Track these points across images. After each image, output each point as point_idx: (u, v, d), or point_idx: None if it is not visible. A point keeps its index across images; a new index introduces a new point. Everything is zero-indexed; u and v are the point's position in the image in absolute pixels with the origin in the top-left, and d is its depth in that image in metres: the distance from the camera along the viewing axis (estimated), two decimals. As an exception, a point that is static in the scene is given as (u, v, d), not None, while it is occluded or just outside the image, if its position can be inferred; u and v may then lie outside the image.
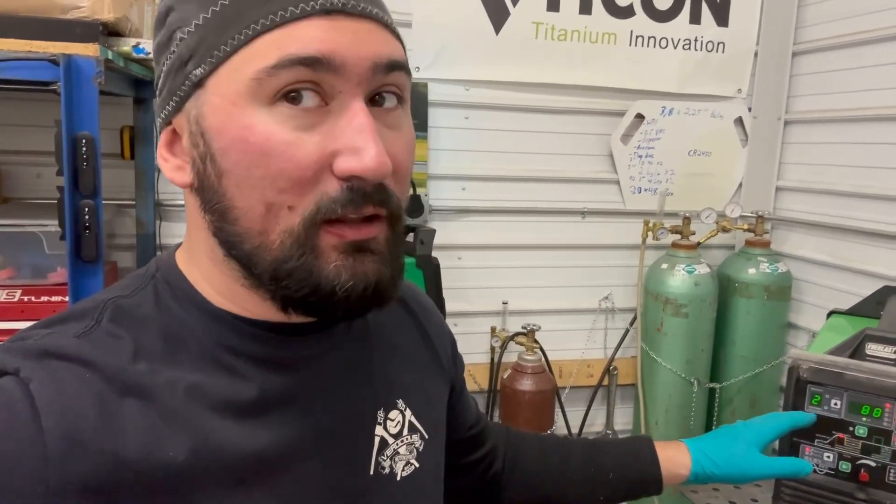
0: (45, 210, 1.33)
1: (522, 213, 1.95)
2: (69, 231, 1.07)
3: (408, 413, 0.58)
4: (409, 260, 1.61)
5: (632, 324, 2.03)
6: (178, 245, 0.53)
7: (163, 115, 0.47)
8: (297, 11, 0.41)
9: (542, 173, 1.95)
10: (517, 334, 1.87)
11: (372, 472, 0.54)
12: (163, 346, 0.46)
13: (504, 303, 1.96)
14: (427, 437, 0.59)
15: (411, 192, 1.78)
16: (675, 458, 0.74)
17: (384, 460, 0.55)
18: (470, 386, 1.94)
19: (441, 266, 1.69)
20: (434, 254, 1.66)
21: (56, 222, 1.08)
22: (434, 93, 1.84)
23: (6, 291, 1.30)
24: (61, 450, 0.40)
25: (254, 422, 0.46)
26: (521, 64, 1.88)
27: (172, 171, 0.47)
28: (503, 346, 1.90)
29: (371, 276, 0.45)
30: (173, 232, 1.73)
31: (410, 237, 1.68)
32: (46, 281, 1.34)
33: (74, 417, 0.41)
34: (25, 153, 1.54)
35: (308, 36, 0.41)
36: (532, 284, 1.99)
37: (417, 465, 0.58)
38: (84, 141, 1.05)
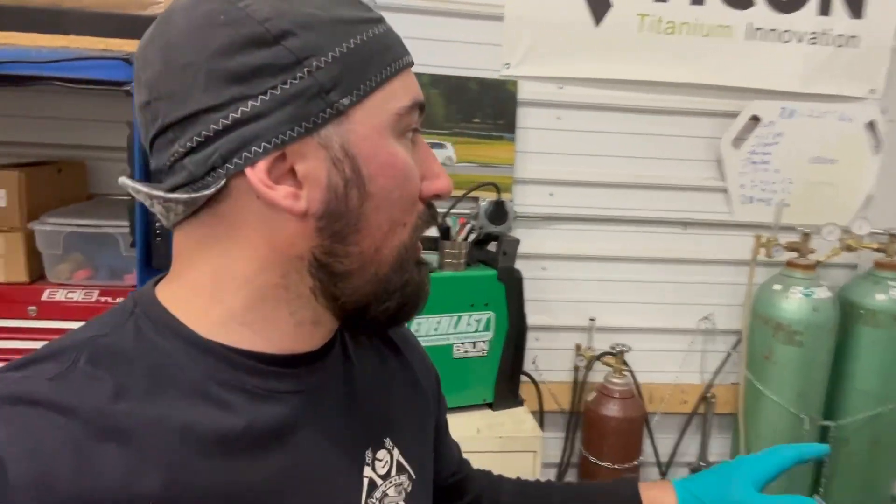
0: (121, 209, 1.31)
1: (615, 222, 1.83)
2: (139, 238, 1.04)
3: (395, 452, 0.58)
4: (489, 272, 1.51)
5: (734, 348, 1.88)
6: (157, 281, 0.52)
7: (274, 140, 0.45)
8: (404, 62, 0.50)
9: (639, 179, 1.82)
10: (604, 354, 1.74)
11: None
12: (147, 382, 0.45)
13: (591, 319, 1.84)
14: (415, 476, 0.59)
15: (495, 197, 1.67)
16: (658, 499, 0.70)
17: (374, 503, 0.55)
18: (550, 406, 1.83)
19: (524, 276, 1.57)
20: (517, 263, 1.56)
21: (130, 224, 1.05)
22: (524, 91, 1.74)
23: (84, 291, 1.30)
24: (28, 500, 0.39)
25: (241, 458, 0.46)
26: (621, 59, 1.74)
27: (285, 198, 0.46)
28: (588, 366, 1.78)
29: (429, 287, 0.54)
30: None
31: (493, 247, 1.58)
32: (123, 283, 1.33)
33: (46, 465, 0.40)
34: (110, 149, 1.54)
35: (414, 84, 0.51)
36: (623, 300, 1.86)
37: None
38: (155, 144, 1.01)
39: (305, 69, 0.45)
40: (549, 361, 1.83)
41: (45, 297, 1.27)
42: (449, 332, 1.47)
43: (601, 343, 1.81)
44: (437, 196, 0.51)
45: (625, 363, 1.71)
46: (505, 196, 1.71)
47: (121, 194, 1.53)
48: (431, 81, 1.70)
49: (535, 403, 1.77)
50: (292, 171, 0.46)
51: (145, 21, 1.04)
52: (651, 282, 1.86)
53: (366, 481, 0.54)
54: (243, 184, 0.45)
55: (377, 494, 0.55)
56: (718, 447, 1.96)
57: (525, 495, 0.75)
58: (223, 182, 0.45)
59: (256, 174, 0.45)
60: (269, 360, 0.49)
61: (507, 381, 1.55)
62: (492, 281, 1.50)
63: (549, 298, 1.82)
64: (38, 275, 1.33)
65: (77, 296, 1.29)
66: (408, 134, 0.50)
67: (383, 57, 0.48)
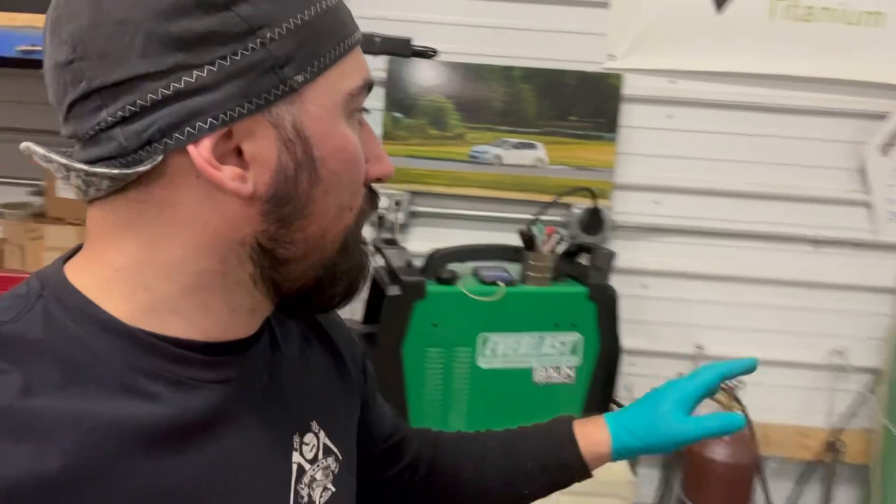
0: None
1: (731, 237, 1.64)
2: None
3: (321, 434, 0.58)
4: (579, 289, 1.34)
5: (870, 389, 1.65)
6: (64, 260, 0.48)
7: (222, 116, 0.42)
8: (355, 38, 0.48)
9: (762, 188, 1.63)
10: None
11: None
12: (61, 375, 0.42)
13: (698, 346, 1.65)
14: (341, 457, 0.60)
15: (590, 203, 1.50)
16: (592, 434, 0.71)
17: (302, 489, 0.54)
18: (645, 441, 1.63)
19: (620, 294, 1.40)
20: (612, 279, 1.40)
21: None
22: (630, 86, 1.58)
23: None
24: None
25: (168, 452, 0.44)
26: (747, 50, 1.54)
27: (232, 179, 0.43)
28: (692, 401, 1.56)
29: (370, 266, 0.54)
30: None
31: (585, 259, 1.41)
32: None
33: None
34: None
35: (364, 63, 0.49)
36: (736, 326, 1.67)
37: (334, 489, 0.58)
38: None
39: (258, 40, 0.42)
40: (645, 390, 1.63)
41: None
42: (529, 354, 1.32)
43: (708, 374, 1.60)
44: (379, 179, 0.52)
45: (737, 400, 1.50)
46: (601, 203, 1.55)
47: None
48: (523, 75, 1.55)
49: (627, 437, 1.59)
50: (238, 151, 0.43)
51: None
52: (771, 307, 1.66)
53: (294, 467, 0.54)
54: (183, 161, 0.42)
55: (305, 479, 0.55)
56: (845, 501, 1.72)
57: (460, 456, 0.75)
58: (160, 158, 0.42)
59: (201, 152, 0.42)
60: (197, 348, 0.47)
61: (595, 412, 1.36)
62: (581, 299, 1.33)
63: (649, 320, 1.65)
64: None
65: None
66: (355, 115, 0.49)
67: (337, 32, 0.46)
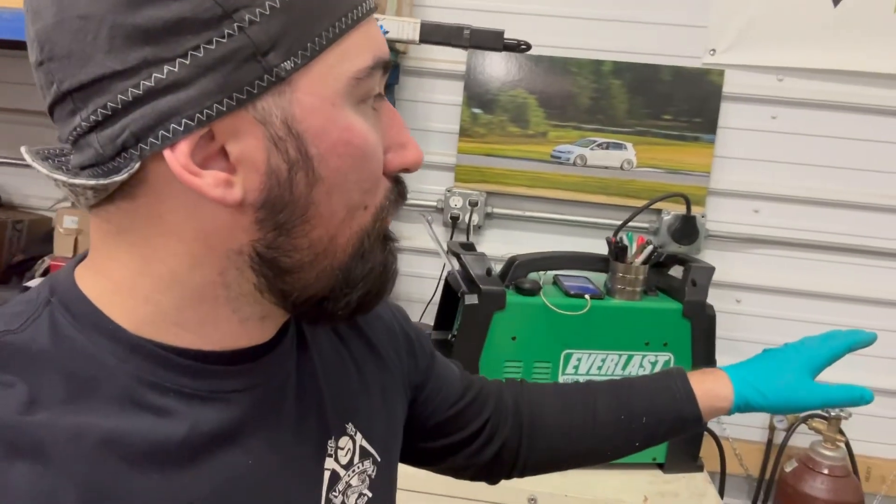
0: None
1: (836, 251, 1.50)
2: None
3: (358, 437, 0.55)
4: (673, 305, 1.24)
5: None
6: (76, 263, 0.45)
7: (198, 116, 0.37)
8: (365, 9, 0.42)
9: (876, 199, 1.47)
10: (813, 416, 1.39)
11: None
12: (66, 388, 0.40)
13: None
14: (380, 459, 0.57)
15: (683, 210, 1.39)
16: (713, 390, 0.70)
17: (335, 496, 0.52)
18: (734, 468, 1.52)
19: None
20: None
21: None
22: (731, 83, 1.45)
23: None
24: None
25: (182, 470, 0.41)
26: (866, 46, 1.39)
27: (215, 186, 0.38)
28: (790, 428, 1.44)
29: (397, 266, 0.48)
30: (400, 232, 1.56)
31: (678, 272, 1.30)
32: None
33: None
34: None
35: (377, 38, 0.43)
36: None
37: (370, 494, 0.55)
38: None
39: (235, 24, 0.37)
40: (737, 416, 1.52)
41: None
42: (616, 373, 1.23)
43: (806, 399, 1.46)
44: (406, 169, 0.46)
45: (840, 432, 1.36)
46: (695, 210, 1.43)
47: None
48: (614, 70, 1.44)
49: (714, 463, 1.47)
50: (223, 152, 0.39)
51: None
52: (881, 330, 1.46)
53: (327, 474, 0.52)
54: (163, 168, 0.38)
55: (340, 486, 0.52)
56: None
57: (567, 409, 0.72)
58: (136, 166, 0.38)
59: (177, 157, 0.37)
60: (210, 359, 0.44)
61: (684, 439, 1.27)
62: (675, 316, 1.22)
63: (741, 338, 1.52)
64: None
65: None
66: (369, 100, 0.43)
67: (335, 4, 0.40)
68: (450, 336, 1.33)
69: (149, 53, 0.36)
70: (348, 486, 0.54)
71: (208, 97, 0.37)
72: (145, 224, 0.41)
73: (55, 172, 0.39)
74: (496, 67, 1.47)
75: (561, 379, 1.21)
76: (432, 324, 1.44)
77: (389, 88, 1.49)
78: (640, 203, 1.34)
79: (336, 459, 0.52)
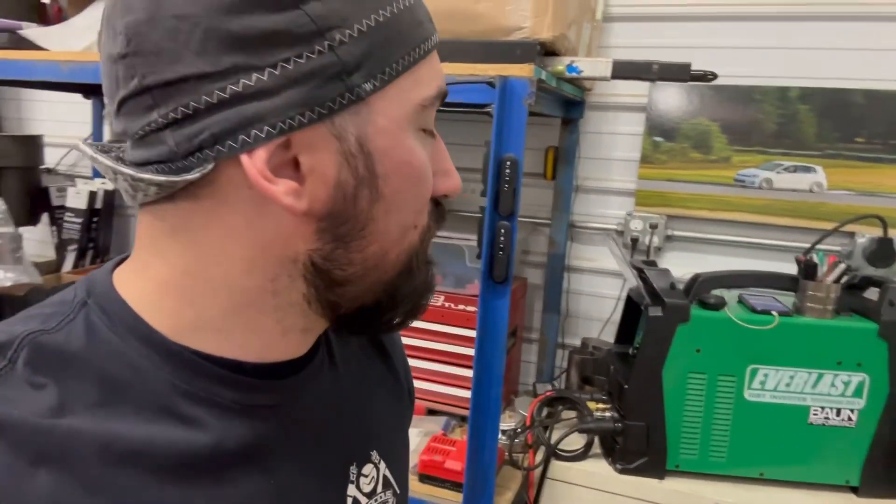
0: (469, 224, 1.40)
1: None
2: (485, 251, 1.08)
3: (382, 466, 0.53)
4: (867, 325, 1.23)
5: None
6: (115, 265, 0.45)
7: (280, 125, 0.38)
8: (432, 43, 0.43)
9: None
10: None
11: None
12: (98, 393, 0.39)
13: None
14: (399, 491, 0.55)
15: (879, 233, 1.36)
16: None
17: None
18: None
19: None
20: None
21: (475, 237, 1.11)
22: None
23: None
24: None
25: (205, 486, 0.41)
26: None
27: (286, 194, 0.39)
28: None
29: (434, 286, 0.49)
30: (582, 254, 1.69)
31: (873, 294, 1.28)
32: (465, 291, 1.42)
33: None
34: (465, 170, 1.67)
35: (441, 71, 0.45)
36: None
37: None
38: (508, 163, 1.04)
39: (326, 42, 0.38)
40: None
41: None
42: (805, 391, 1.23)
43: None
44: (445, 195, 0.47)
45: None
46: (892, 233, 1.39)
47: (464, 210, 1.64)
48: (800, 95, 1.47)
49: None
50: (295, 163, 0.39)
51: (509, 46, 1.09)
52: None
53: (349, 501, 0.50)
54: (235, 171, 0.38)
55: None
56: None
57: None
58: (210, 167, 0.38)
59: (255, 163, 0.38)
60: (245, 370, 0.44)
61: (882, 462, 1.24)
62: (870, 336, 1.21)
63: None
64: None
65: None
66: (426, 127, 0.44)
67: (413, 35, 0.41)
68: (630, 350, 1.42)
69: (240, 60, 0.36)
70: None
71: (292, 108, 0.37)
72: (204, 225, 0.40)
73: (120, 165, 0.39)
74: (677, 98, 1.56)
75: (747, 393, 1.25)
76: (612, 340, 1.53)
77: (574, 123, 1.63)
78: (830, 226, 1.35)
79: (358, 487, 0.51)
